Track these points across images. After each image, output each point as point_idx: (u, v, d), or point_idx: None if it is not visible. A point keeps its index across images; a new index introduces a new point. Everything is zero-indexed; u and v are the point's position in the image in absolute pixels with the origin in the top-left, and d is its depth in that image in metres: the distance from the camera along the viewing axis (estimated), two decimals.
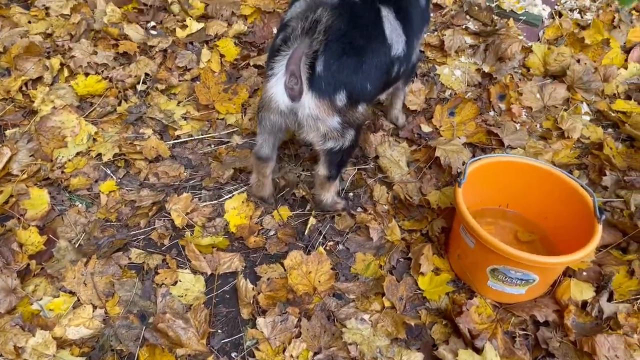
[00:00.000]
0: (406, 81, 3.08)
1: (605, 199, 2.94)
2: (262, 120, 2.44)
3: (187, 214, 2.73)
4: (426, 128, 3.31)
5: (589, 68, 3.53)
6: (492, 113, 3.44)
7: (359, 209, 2.88)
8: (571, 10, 4.12)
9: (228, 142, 3.12)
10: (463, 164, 3.04)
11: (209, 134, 3.16)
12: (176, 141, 3.10)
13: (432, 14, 3.93)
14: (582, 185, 2.48)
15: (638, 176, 3.04)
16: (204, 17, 3.79)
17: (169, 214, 2.73)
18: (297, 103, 2.21)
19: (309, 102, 2.19)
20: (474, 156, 3.22)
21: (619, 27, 3.94)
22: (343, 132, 2.34)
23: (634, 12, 4.18)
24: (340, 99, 2.21)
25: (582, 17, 4.05)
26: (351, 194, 2.97)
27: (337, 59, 2.14)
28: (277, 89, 2.18)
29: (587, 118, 3.44)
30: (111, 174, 2.90)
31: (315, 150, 2.46)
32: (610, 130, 3.39)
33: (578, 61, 3.55)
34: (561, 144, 3.22)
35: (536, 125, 3.40)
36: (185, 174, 2.97)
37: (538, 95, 3.53)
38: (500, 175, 2.70)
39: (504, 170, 2.69)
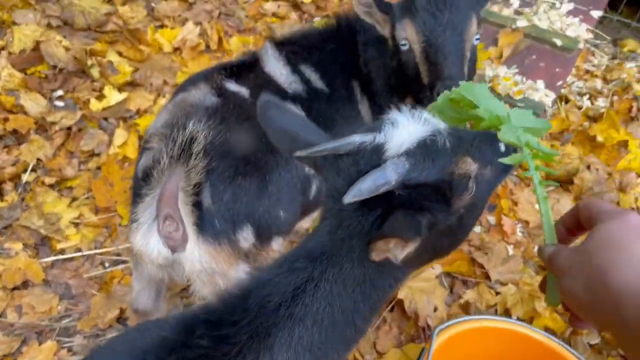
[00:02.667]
0: None
1: None
2: (137, 265, 1.71)
3: None
4: None
5: (601, 175, 2.81)
6: (477, 229, 2.69)
7: None
8: (580, 94, 3.42)
9: (126, 261, 2.36)
10: (435, 310, 2.29)
11: (105, 247, 2.40)
12: (57, 258, 2.34)
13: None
14: None
15: None
16: (129, 85, 3.08)
17: None
18: (182, 253, 1.49)
19: (199, 253, 1.48)
20: (451, 292, 2.47)
21: (638, 119, 3.24)
22: None
23: None
24: (245, 237, 1.53)
25: (592, 104, 3.35)
26: None
27: (230, 182, 1.48)
28: (147, 241, 1.48)
29: None
30: None
31: None
32: None
33: (588, 167, 2.83)
34: None
35: (534, 248, 2.66)
36: (59, 308, 2.20)
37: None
38: (481, 346, 1.96)
39: (486, 339, 1.95)
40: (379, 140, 1.00)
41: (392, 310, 2.32)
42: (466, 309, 2.35)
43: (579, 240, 1.01)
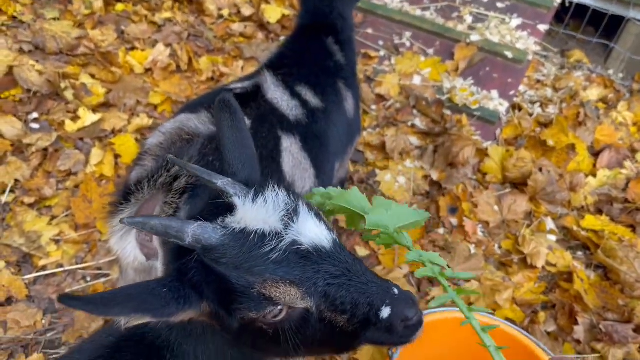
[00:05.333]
0: None
1: (578, 356, 2.36)
2: (122, 271, 1.80)
3: None
4: (362, 251, 2.72)
5: (552, 177, 3.02)
6: (441, 230, 2.87)
7: None
8: (532, 102, 3.66)
9: (108, 275, 2.45)
10: None
11: (86, 262, 2.49)
12: (39, 274, 2.41)
13: (374, 107, 3.41)
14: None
15: (616, 320, 2.49)
16: (103, 106, 3.18)
17: None
18: (156, 262, 1.60)
19: None
20: (419, 290, 2.63)
21: (585, 124, 3.48)
22: None
23: (600, 104, 3.77)
24: None
25: (543, 111, 3.59)
26: None
27: None
28: (124, 245, 1.58)
29: (553, 238, 2.90)
30: None
31: None
32: (580, 253, 2.86)
33: (540, 170, 3.04)
34: (523, 275, 2.66)
35: (494, 246, 2.84)
36: (43, 321, 2.27)
37: (496, 208, 2.99)
38: (448, 335, 2.11)
39: (453, 329, 2.10)
40: (235, 200, 0.92)
41: None
42: None
43: None
